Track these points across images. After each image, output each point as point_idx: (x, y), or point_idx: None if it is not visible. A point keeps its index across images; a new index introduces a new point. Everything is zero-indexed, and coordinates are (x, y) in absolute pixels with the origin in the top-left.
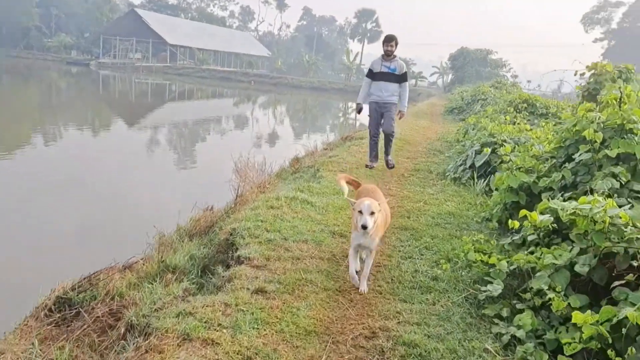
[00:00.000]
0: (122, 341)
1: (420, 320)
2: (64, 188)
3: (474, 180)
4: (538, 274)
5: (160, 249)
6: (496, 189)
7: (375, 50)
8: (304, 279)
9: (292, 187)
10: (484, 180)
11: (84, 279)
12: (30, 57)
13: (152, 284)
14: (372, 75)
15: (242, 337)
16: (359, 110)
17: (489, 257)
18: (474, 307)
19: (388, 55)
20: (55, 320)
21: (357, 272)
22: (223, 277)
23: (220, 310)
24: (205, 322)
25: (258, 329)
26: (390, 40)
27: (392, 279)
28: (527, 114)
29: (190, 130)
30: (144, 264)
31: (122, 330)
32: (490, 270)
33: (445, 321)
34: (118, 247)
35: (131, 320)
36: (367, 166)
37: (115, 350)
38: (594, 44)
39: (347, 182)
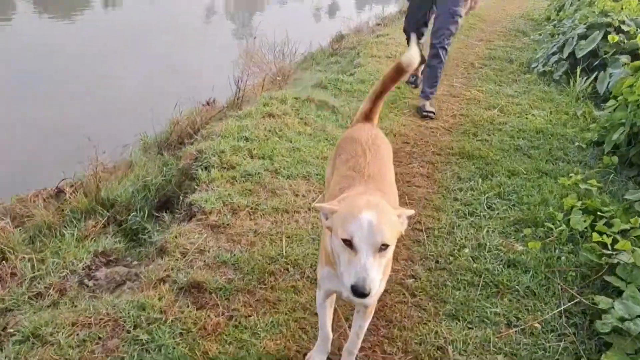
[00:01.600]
0: None
1: None
2: (109, 55)
3: (574, 77)
4: None
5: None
6: (614, 97)
7: None
8: (284, 261)
9: (313, 81)
10: (588, 79)
11: None
12: None
13: (69, 228)
14: None
15: None
16: None
17: (613, 232)
18: (584, 334)
19: None
20: None
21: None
22: (154, 243)
23: (97, 337)
24: None
25: None
26: None
27: (437, 261)
28: None
29: None
30: (74, 194)
31: None
32: (616, 258)
33: None
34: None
35: None
36: (409, 83)
37: None
38: None
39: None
